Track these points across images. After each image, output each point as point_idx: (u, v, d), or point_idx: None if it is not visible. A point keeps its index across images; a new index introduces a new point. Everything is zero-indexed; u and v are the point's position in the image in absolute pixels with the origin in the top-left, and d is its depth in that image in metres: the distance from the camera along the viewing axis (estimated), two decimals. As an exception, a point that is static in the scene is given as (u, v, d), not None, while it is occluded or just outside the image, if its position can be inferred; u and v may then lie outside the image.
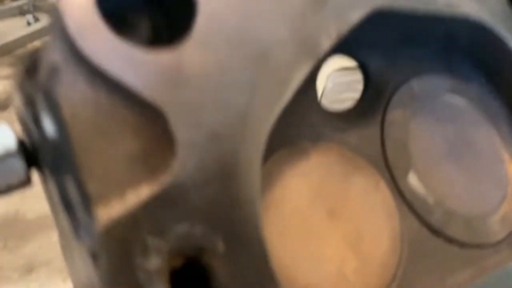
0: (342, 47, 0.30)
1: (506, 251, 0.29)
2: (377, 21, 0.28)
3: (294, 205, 0.25)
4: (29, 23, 3.20)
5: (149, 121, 0.19)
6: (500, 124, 0.33)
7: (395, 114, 0.30)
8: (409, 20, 0.28)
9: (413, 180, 0.29)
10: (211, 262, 0.20)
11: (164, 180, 0.19)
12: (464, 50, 0.32)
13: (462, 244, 0.28)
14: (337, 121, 0.29)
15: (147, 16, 0.24)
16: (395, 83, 0.31)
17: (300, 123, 0.27)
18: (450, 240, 0.28)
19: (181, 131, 0.19)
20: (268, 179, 0.25)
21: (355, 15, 0.25)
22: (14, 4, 3.28)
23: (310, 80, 0.29)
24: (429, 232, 0.28)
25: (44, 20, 3.15)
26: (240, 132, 0.21)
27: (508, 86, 0.33)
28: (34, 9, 3.31)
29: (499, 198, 0.31)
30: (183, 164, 0.19)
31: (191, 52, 0.20)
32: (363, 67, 0.31)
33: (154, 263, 0.19)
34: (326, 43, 0.24)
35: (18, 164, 0.22)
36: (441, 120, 0.31)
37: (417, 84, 0.31)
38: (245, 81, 0.21)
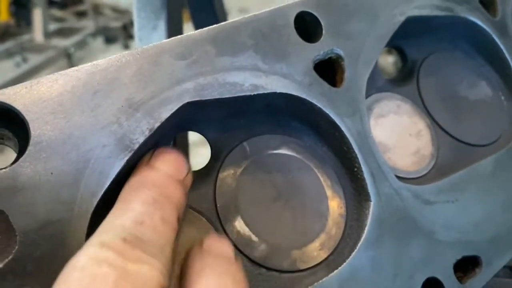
0: (186, 124, 0.39)
1: (321, 272, 0.38)
2: (200, 106, 0.36)
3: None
4: (18, 65, 3.32)
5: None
6: (326, 167, 0.41)
7: (227, 172, 0.38)
8: (228, 101, 0.37)
9: (239, 224, 0.37)
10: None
11: (7, 259, 0.28)
12: (288, 113, 0.41)
13: (281, 271, 0.37)
14: (178, 184, 0.37)
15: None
16: (230, 147, 0.39)
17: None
18: (270, 269, 0.36)
19: (19, 223, 0.28)
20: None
21: (165, 112, 0.33)
22: (1, 47, 3.39)
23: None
24: (251, 264, 0.36)
25: (33, 60, 3.27)
26: (68, 216, 0.29)
27: (327, 136, 0.41)
28: (22, 50, 3.43)
29: (318, 229, 0.39)
30: (22, 246, 0.28)
31: (25, 165, 0.29)
32: (206, 138, 0.39)
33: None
34: (140, 138, 0.32)
35: None
36: (271, 171, 0.40)
37: (248, 145, 0.40)
38: (71, 179, 0.30)
